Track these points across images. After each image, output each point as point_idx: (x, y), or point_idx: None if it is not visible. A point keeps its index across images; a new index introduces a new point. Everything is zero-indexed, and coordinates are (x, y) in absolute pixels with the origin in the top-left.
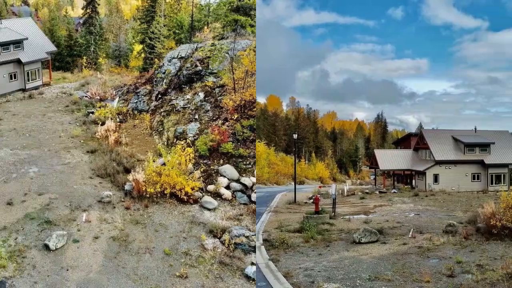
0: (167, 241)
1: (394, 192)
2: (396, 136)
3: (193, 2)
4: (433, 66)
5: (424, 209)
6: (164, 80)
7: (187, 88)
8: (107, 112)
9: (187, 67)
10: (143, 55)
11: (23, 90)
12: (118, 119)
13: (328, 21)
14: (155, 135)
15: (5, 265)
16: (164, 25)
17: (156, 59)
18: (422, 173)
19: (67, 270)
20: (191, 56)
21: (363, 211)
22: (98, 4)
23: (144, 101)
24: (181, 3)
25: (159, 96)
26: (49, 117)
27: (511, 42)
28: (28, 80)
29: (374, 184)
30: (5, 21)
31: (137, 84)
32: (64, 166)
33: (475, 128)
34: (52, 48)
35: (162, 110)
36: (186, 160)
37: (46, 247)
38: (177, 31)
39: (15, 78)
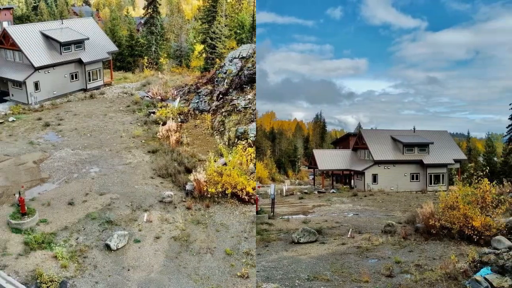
0: (228, 241)
1: (333, 192)
2: (335, 136)
3: (254, 2)
4: (372, 66)
5: (363, 209)
6: (225, 80)
7: (248, 88)
8: (168, 112)
9: (249, 67)
10: (204, 55)
11: (84, 90)
12: (179, 119)
13: (266, 21)
14: (216, 135)
15: (66, 265)
16: (225, 25)
17: (217, 59)
18: (361, 173)
19: (128, 270)
20: (252, 56)
21: (302, 211)
22: (159, 4)
23: (205, 101)
24: (242, 3)
25: (220, 96)
26: (110, 117)
27: (450, 42)
28: (89, 80)
29: (313, 184)
30: (66, 21)
31: (198, 84)
32: (125, 166)
33: (414, 128)
34: (113, 48)
35: (223, 110)
36: (247, 160)
37: (107, 247)
38: (238, 31)
39: (76, 78)
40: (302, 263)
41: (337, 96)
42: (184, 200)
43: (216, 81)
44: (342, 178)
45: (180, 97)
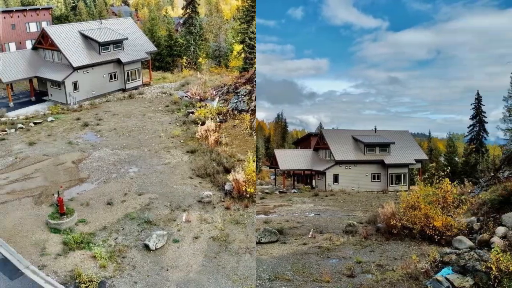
0: None
1: (294, 192)
2: (296, 136)
3: None
4: (333, 66)
5: (324, 209)
6: None
7: None
8: (207, 112)
9: None
10: (243, 55)
11: (123, 90)
12: (218, 119)
13: None
14: (255, 135)
15: (105, 265)
16: None
17: (256, 59)
18: (322, 173)
19: (167, 270)
20: None
21: (263, 211)
22: (198, 4)
23: (244, 101)
24: None
25: None
26: (149, 117)
27: (411, 42)
28: (128, 80)
29: (274, 184)
30: (105, 21)
31: (237, 84)
32: (164, 166)
33: (375, 128)
34: (152, 48)
35: None
36: None
37: (146, 247)
38: None
39: (115, 78)
40: (263, 263)
41: (298, 96)
42: (223, 200)
43: (255, 81)
44: (304, 178)
45: (219, 97)
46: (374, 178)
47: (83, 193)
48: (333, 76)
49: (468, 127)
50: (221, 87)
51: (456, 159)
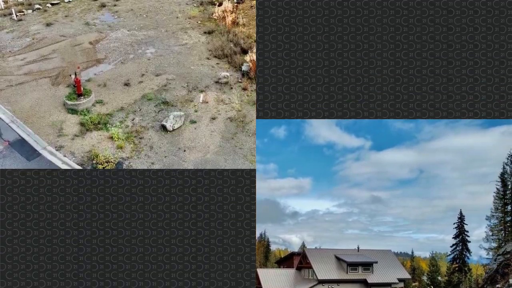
0: None
1: None
2: (279, 255)
3: None
4: (316, 185)
5: None
6: None
7: None
8: None
9: None
10: None
11: None
12: (235, 0)
13: None
14: None
15: (122, 146)
16: None
17: None
18: None
19: (184, 151)
20: None
21: None
22: None
23: None
24: None
25: None
26: None
27: (393, 162)
28: None
29: None
30: None
31: None
32: (181, 47)
33: (358, 247)
34: None
35: None
36: None
37: (163, 128)
38: None
39: None
40: None
41: (281, 216)
42: (240, 81)
43: None
44: None
45: None
46: None
47: (100, 74)
48: (316, 195)
49: (451, 246)
50: None
51: (439, 278)
